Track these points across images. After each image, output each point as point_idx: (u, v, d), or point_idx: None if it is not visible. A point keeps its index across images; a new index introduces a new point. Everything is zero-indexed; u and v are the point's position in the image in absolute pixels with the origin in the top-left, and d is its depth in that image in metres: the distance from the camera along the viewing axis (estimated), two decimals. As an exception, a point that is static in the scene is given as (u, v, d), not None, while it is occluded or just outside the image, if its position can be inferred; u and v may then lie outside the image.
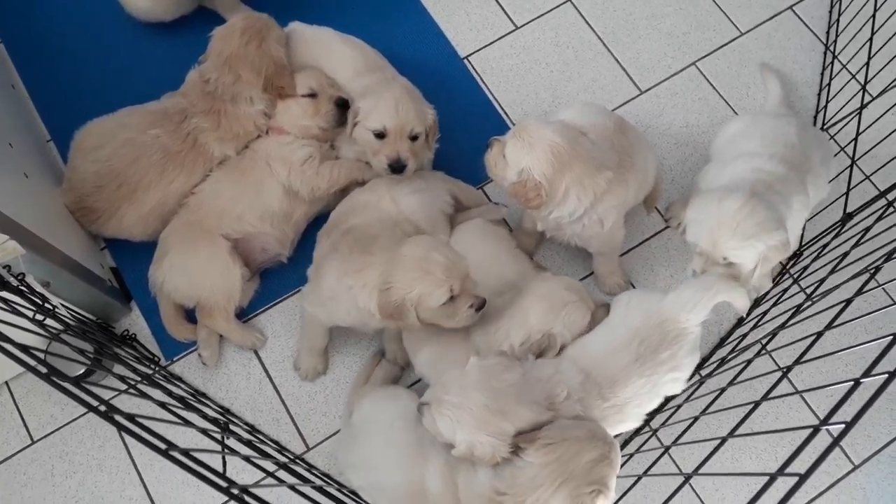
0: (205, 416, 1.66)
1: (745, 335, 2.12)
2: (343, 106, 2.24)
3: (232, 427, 1.76)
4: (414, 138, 2.12)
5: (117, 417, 1.14)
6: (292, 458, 2.03)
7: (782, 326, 1.82)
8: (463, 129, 2.39)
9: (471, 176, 2.41)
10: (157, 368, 2.15)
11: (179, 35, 2.60)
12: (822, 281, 1.90)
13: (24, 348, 1.22)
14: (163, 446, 1.12)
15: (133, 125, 2.18)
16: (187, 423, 1.41)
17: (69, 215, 2.20)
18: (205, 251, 2.13)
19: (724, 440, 1.52)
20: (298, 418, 2.21)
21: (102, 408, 1.16)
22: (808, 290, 2.05)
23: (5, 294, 1.54)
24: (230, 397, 2.21)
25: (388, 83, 2.22)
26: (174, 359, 2.25)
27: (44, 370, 1.15)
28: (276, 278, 2.34)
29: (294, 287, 2.33)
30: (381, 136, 2.10)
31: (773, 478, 1.16)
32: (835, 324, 1.53)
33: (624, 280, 2.32)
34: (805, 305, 1.93)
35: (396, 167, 2.09)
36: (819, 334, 1.55)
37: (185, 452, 1.13)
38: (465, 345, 1.94)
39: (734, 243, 1.81)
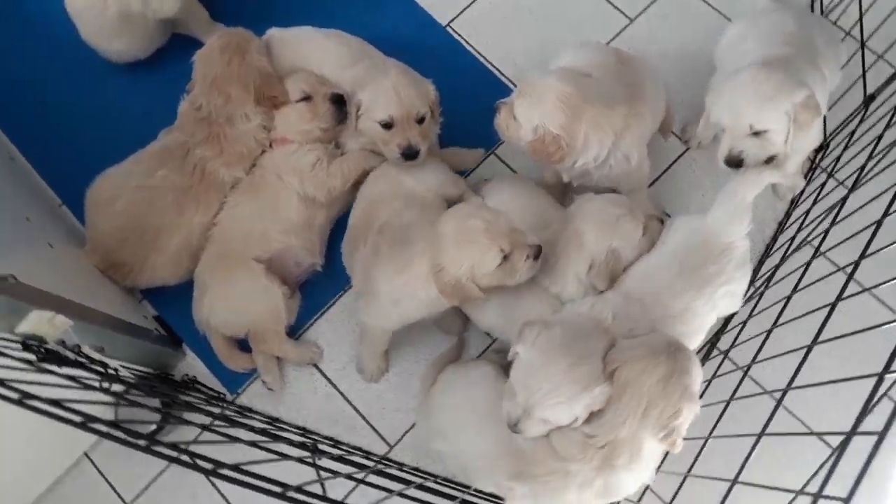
0: (290, 442, 1.66)
1: (792, 238, 2.10)
2: (339, 102, 2.21)
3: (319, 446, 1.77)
4: (420, 120, 2.10)
5: (201, 463, 1.12)
6: (378, 459, 2.05)
7: (833, 223, 1.79)
8: (461, 97, 2.33)
9: (480, 141, 2.41)
10: (225, 405, 2.16)
11: (161, 68, 2.55)
12: (861, 169, 1.86)
13: (95, 419, 1.20)
14: (278, 489, 1.12)
15: (140, 171, 2.16)
16: (284, 456, 1.42)
17: (100, 275, 2.19)
18: (242, 279, 2.11)
19: (809, 348, 1.49)
20: (373, 419, 2.21)
21: (184, 457, 1.15)
22: (847, 182, 2.03)
23: (70, 370, 1.53)
24: (303, 416, 2.22)
25: (382, 70, 2.18)
26: (239, 391, 2.25)
27: (121, 435, 1.14)
28: (315, 289, 2.33)
29: (335, 293, 2.33)
30: (388, 126, 2.08)
31: (880, 378, 1.15)
32: (891, 210, 1.51)
33: (654, 211, 2.30)
34: (848, 197, 1.90)
35: (410, 154, 2.07)
36: (878, 223, 1.51)
37: (299, 489, 1.13)
38: (529, 286, 1.90)
39: (756, 106, 1.79)
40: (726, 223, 1.78)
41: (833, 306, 1.48)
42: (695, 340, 1.83)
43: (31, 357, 1.48)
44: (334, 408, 2.23)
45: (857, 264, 1.51)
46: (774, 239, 2.26)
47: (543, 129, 1.88)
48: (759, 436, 1.52)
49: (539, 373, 1.59)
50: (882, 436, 1.10)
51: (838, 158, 2.07)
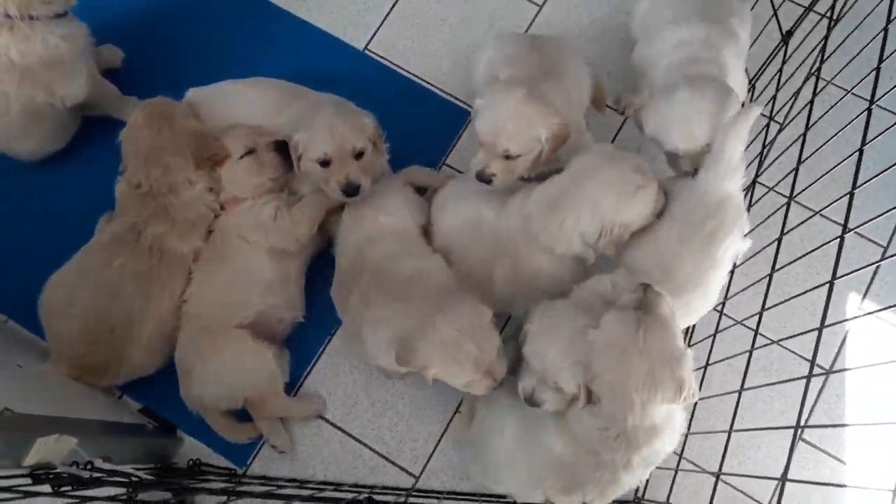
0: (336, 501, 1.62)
1: (753, 183, 2.18)
2: (283, 148, 2.15)
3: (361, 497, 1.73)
4: (359, 155, 2.04)
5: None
6: (408, 491, 2.02)
7: (800, 162, 1.86)
8: (400, 118, 2.30)
9: (430, 156, 2.41)
10: (237, 480, 2.08)
11: (80, 155, 2.43)
12: (810, 104, 1.89)
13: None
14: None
15: (94, 266, 2.04)
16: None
17: (74, 383, 2.06)
18: (228, 350, 2.03)
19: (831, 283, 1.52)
20: (393, 455, 2.18)
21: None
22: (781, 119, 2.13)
23: (92, 491, 1.45)
24: (321, 470, 2.16)
25: (315, 108, 2.13)
26: (248, 462, 2.17)
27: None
28: (302, 340, 2.26)
29: (322, 339, 2.28)
30: (325, 163, 2.03)
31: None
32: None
33: None
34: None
35: (350, 191, 2.02)
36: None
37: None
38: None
39: (702, 129, 1.84)
40: (720, 180, 1.79)
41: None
42: (707, 305, 1.85)
43: (47, 488, 1.39)
44: (350, 453, 2.19)
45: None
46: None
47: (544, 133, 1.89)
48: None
49: (547, 339, 1.66)
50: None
51: (774, 99, 2.16)
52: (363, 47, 2.57)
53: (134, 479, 1.59)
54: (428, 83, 2.52)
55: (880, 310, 1.43)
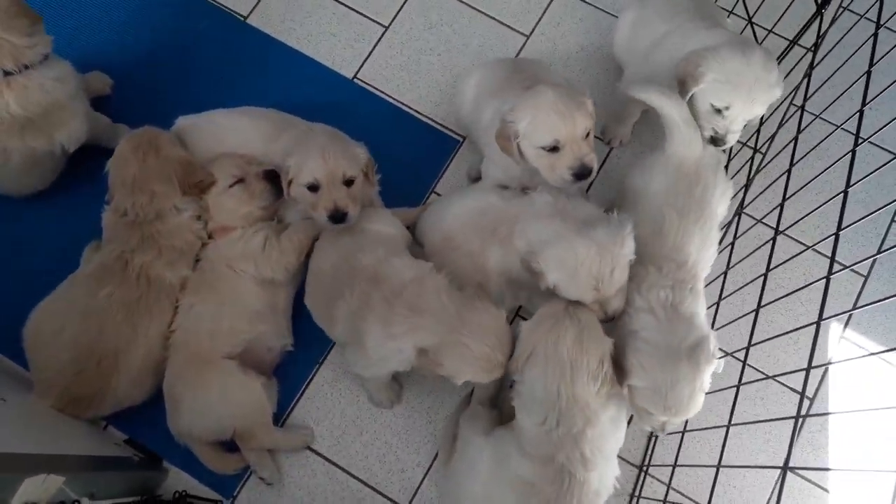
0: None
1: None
2: (273, 177, 2.15)
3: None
4: (349, 182, 2.03)
5: None
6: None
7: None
8: (389, 146, 2.32)
9: (419, 183, 2.44)
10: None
11: (70, 183, 2.40)
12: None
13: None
14: None
15: (81, 295, 2.02)
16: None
17: (58, 414, 2.03)
18: (216, 381, 2.02)
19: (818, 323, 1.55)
20: (381, 486, 2.17)
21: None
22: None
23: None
24: (310, 501, 2.15)
25: (309, 134, 2.14)
26: (235, 493, 2.15)
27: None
28: (289, 369, 2.25)
29: (310, 369, 2.27)
30: (314, 188, 2.02)
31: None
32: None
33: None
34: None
35: (337, 217, 2.01)
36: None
37: None
38: None
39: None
40: (685, 146, 1.90)
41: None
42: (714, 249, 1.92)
43: (35, 530, 1.37)
44: (338, 484, 2.17)
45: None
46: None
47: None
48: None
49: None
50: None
51: (758, 132, 2.20)
52: (352, 76, 2.59)
53: (123, 517, 1.56)
54: (416, 112, 2.54)
55: (883, 351, 1.44)
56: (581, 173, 1.91)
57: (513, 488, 1.74)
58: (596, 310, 1.79)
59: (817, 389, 2.26)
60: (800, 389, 2.19)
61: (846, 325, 2.33)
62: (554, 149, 1.91)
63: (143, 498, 2.02)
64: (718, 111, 1.88)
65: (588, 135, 1.93)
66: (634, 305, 1.80)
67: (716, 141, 1.95)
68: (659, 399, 1.68)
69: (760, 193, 2.07)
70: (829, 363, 1.46)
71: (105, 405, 2.06)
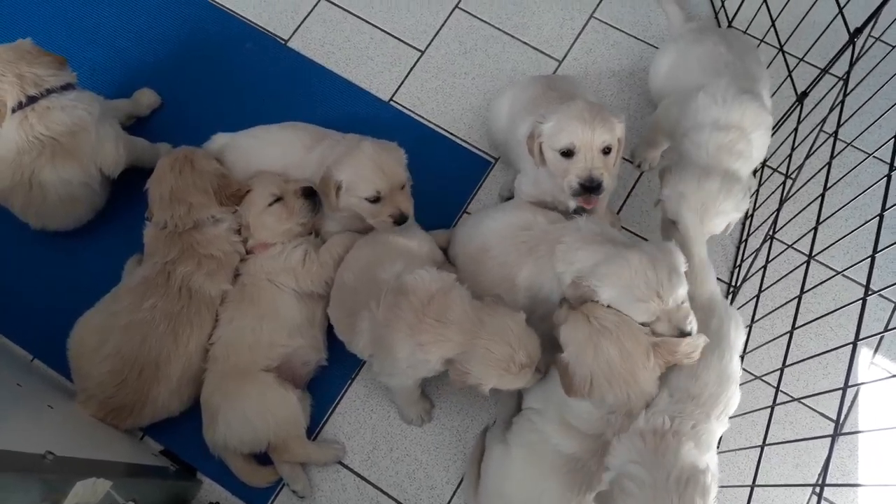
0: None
1: (771, 238, 2.24)
2: (311, 194, 2.21)
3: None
4: (402, 187, 2.14)
5: None
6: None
7: (818, 223, 1.92)
8: (423, 167, 2.35)
9: (452, 204, 2.49)
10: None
11: (115, 199, 2.47)
12: (828, 165, 1.94)
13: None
14: None
15: (124, 308, 2.08)
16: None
17: (99, 423, 2.08)
18: (254, 393, 2.06)
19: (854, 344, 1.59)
20: (410, 502, 2.19)
21: None
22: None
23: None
24: (340, 515, 2.18)
25: (350, 143, 2.20)
26: (268, 506, 2.19)
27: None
28: (323, 384, 2.30)
29: (343, 384, 2.31)
30: (376, 199, 2.10)
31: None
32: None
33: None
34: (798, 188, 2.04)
35: (401, 220, 2.12)
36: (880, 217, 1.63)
37: None
38: None
39: (718, 220, 1.98)
40: (699, 285, 1.91)
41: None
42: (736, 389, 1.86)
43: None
44: (367, 500, 2.20)
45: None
46: (744, 241, 2.40)
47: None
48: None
49: None
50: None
51: (790, 157, 2.23)
52: (389, 98, 2.65)
53: (165, 523, 1.60)
54: (450, 133, 2.60)
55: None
56: (587, 185, 1.94)
57: (552, 466, 1.82)
58: (668, 329, 1.78)
59: (847, 414, 2.26)
60: (828, 414, 2.23)
61: (876, 350, 2.33)
62: (569, 153, 1.95)
63: (178, 508, 2.07)
64: None
65: (608, 151, 1.97)
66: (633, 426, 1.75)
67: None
68: None
69: (792, 219, 2.09)
70: (861, 384, 1.46)
71: (144, 415, 2.11)
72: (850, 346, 1.46)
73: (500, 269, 2.05)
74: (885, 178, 1.51)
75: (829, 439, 1.44)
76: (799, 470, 2.21)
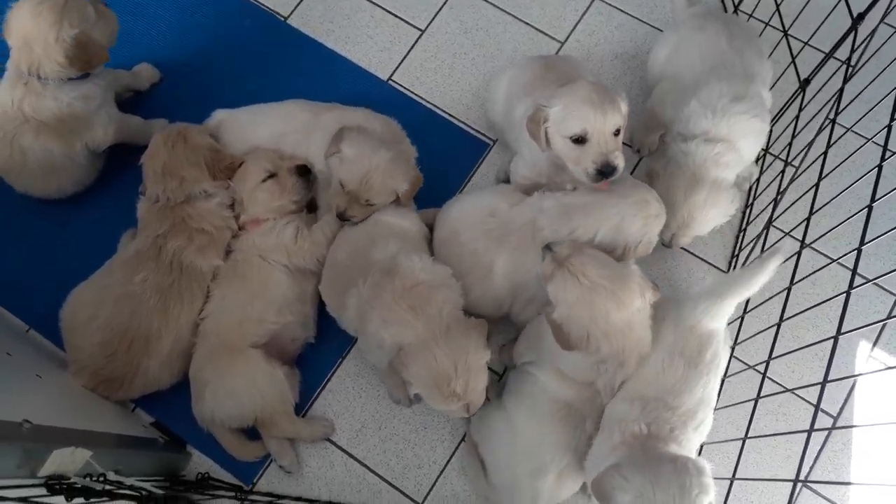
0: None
1: (767, 228, 2.20)
2: (305, 172, 2.21)
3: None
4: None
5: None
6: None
7: (812, 212, 1.88)
8: (420, 147, 2.33)
9: (448, 185, 2.47)
10: (244, 497, 2.11)
11: (110, 172, 2.49)
12: (824, 155, 1.91)
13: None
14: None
15: (116, 280, 2.10)
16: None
17: (91, 394, 2.11)
18: (241, 369, 2.07)
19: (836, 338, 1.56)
20: (397, 481, 2.20)
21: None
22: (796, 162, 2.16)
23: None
24: (325, 491, 2.18)
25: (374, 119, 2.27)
26: (255, 479, 2.20)
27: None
28: (313, 362, 2.30)
29: (333, 362, 2.32)
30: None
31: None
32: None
33: None
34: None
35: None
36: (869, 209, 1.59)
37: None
38: None
39: (703, 226, 2.14)
40: (710, 320, 1.84)
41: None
42: (710, 416, 1.85)
43: (61, 499, 1.43)
44: (354, 477, 2.21)
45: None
46: (743, 230, 2.36)
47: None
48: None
49: None
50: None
51: (790, 145, 2.18)
52: (387, 78, 2.64)
53: (144, 492, 1.62)
54: (448, 114, 2.58)
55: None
56: (605, 171, 1.91)
57: (550, 413, 1.90)
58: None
59: (842, 408, 2.23)
60: (825, 407, 2.20)
61: (875, 343, 2.29)
62: (581, 140, 1.91)
63: (166, 478, 2.09)
64: None
65: (618, 133, 1.93)
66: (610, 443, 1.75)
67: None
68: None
69: (789, 207, 2.05)
70: (846, 377, 1.44)
71: (135, 387, 2.13)
72: (834, 339, 1.43)
73: (472, 258, 2.04)
74: (877, 167, 1.47)
75: (817, 434, 1.41)
76: (789, 461, 2.18)
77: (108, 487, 1.60)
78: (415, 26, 2.70)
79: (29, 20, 2.07)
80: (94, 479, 1.60)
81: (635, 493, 1.50)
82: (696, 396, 1.75)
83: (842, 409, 2.23)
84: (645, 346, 1.81)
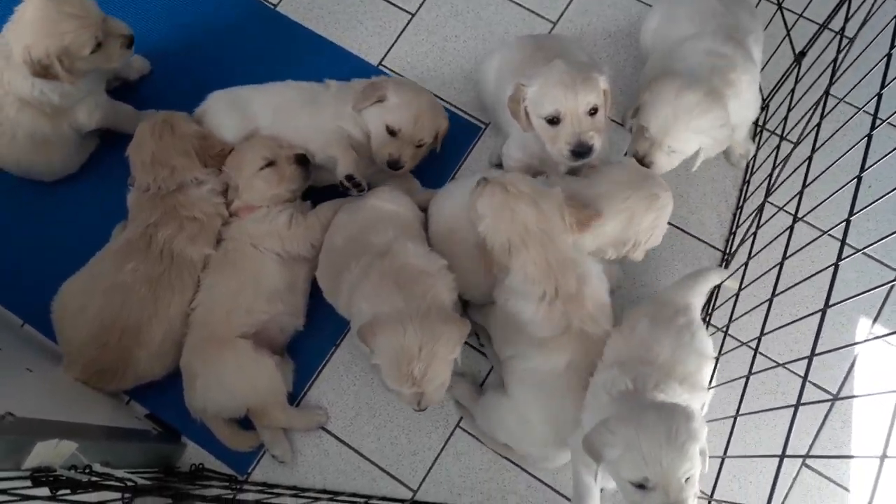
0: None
1: (762, 206, 2.15)
2: (304, 161, 2.20)
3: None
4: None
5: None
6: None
7: (804, 185, 1.83)
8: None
9: (441, 168, 2.45)
10: (238, 487, 2.10)
11: (102, 164, 2.49)
12: (817, 126, 1.86)
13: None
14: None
15: (106, 271, 2.09)
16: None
17: (83, 387, 2.10)
18: (231, 359, 2.06)
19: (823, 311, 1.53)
20: (392, 468, 2.19)
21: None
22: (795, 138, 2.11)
23: (89, 496, 1.48)
24: (320, 480, 2.18)
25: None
26: (249, 470, 2.19)
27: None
28: (307, 351, 2.29)
29: (327, 351, 2.30)
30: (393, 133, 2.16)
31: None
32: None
33: None
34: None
35: (397, 166, 2.18)
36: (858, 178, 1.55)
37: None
38: None
39: (686, 136, 1.92)
40: (685, 296, 1.95)
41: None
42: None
43: (45, 491, 1.42)
44: (349, 465, 2.20)
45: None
46: (740, 208, 2.32)
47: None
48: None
49: None
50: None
51: (786, 119, 2.14)
52: (378, 63, 2.61)
53: (129, 483, 1.61)
54: (441, 98, 2.53)
55: (888, 334, 1.39)
56: (579, 150, 1.91)
57: (556, 389, 1.85)
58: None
59: (842, 385, 2.19)
60: (824, 385, 2.16)
61: (875, 320, 2.24)
62: (555, 121, 1.92)
63: (160, 469, 2.09)
64: None
65: (594, 112, 1.91)
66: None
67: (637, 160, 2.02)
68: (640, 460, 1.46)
69: (783, 182, 2.01)
70: (834, 349, 1.39)
71: (127, 379, 2.12)
72: (822, 312, 1.40)
73: (469, 247, 1.98)
74: (867, 137, 1.43)
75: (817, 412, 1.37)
76: (791, 441, 2.14)
77: (94, 479, 1.60)
78: (405, 10, 2.67)
79: (22, 17, 2.05)
80: (80, 470, 1.60)
81: (622, 445, 1.46)
82: (669, 348, 1.74)
83: (841, 386, 2.19)
84: (579, 269, 1.84)
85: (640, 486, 1.45)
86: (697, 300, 1.95)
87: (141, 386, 2.19)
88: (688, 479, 1.44)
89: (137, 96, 2.51)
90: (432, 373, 1.75)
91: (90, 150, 2.46)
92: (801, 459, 2.11)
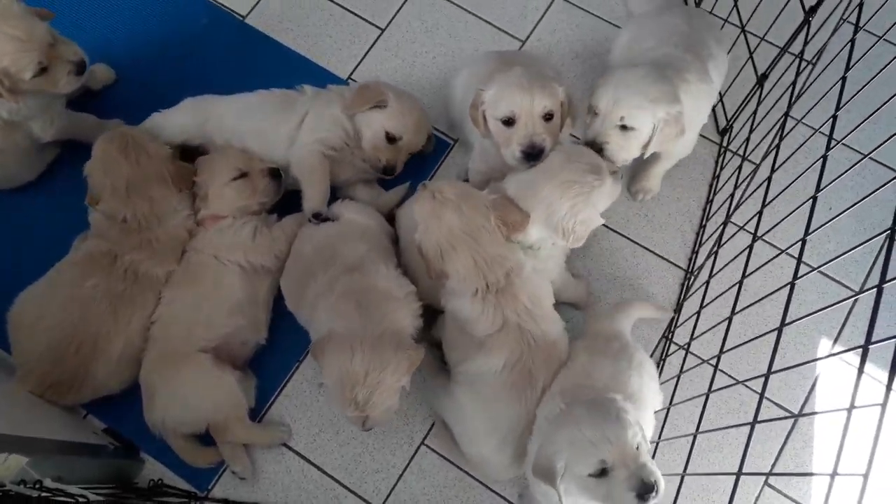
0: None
1: (724, 224, 2.17)
2: (277, 176, 2.19)
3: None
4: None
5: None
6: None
7: (764, 205, 1.85)
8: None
9: (411, 184, 2.42)
10: (198, 503, 2.06)
11: (61, 173, 2.45)
12: (777, 148, 1.89)
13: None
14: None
15: (65, 282, 2.06)
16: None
17: (36, 400, 2.05)
18: (190, 374, 2.02)
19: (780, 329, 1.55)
20: (355, 486, 2.16)
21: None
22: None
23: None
24: (283, 497, 2.14)
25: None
26: (209, 486, 2.15)
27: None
28: (270, 366, 2.26)
29: (290, 366, 2.27)
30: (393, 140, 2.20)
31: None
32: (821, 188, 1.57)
33: None
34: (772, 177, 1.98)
35: (391, 172, 2.25)
36: (813, 199, 1.58)
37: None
38: None
39: (636, 101, 1.89)
40: (612, 323, 2.10)
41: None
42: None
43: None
44: (312, 483, 2.17)
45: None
46: (703, 227, 2.35)
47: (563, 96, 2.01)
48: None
49: None
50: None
51: (747, 140, 2.17)
52: (347, 77, 2.60)
53: (81, 499, 1.57)
54: (409, 115, 2.54)
55: (842, 351, 1.40)
56: (530, 153, 1.93)
57: (496, 391, 1.88)
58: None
59: (803, 405, 2.21)
60: (785, 405, 2.18)
61: (835, 341, 2.27)
62: (510, 122, 1.95)
63: (117, 485, 2.04)
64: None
65: (550, 117, 1.95)
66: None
67: (590, 145, 2.00)
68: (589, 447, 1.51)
69: (744, 201, 2.05)
70: (791, 367, 1.40)
71: (83, 392, 2.08)
72: (778, 330, 1.42)
73: None
74: (822, 158, 1.46)
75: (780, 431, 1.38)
76: (752, 460, 2.14)
77: (44, 494, 1.56)
78: (375, 25, 2.67)
79: None
80: (30, 486, 1.55)
81: (567, 445, 1.52)
82: (606, 372, 1.81)
83: (803, 406, 2.21)
84: (510, 263, 1.88)
85: (602, 474, 1.49)
86: (626, 325, 2.10)
87: (99, 400, 2.15)
88: (637, 446, 1.50)
89: (101, 105, 2.48)
90: (377, 399, 1.77)
91: (49, 160, 2.42)
92: (762, 479, 2.12)
